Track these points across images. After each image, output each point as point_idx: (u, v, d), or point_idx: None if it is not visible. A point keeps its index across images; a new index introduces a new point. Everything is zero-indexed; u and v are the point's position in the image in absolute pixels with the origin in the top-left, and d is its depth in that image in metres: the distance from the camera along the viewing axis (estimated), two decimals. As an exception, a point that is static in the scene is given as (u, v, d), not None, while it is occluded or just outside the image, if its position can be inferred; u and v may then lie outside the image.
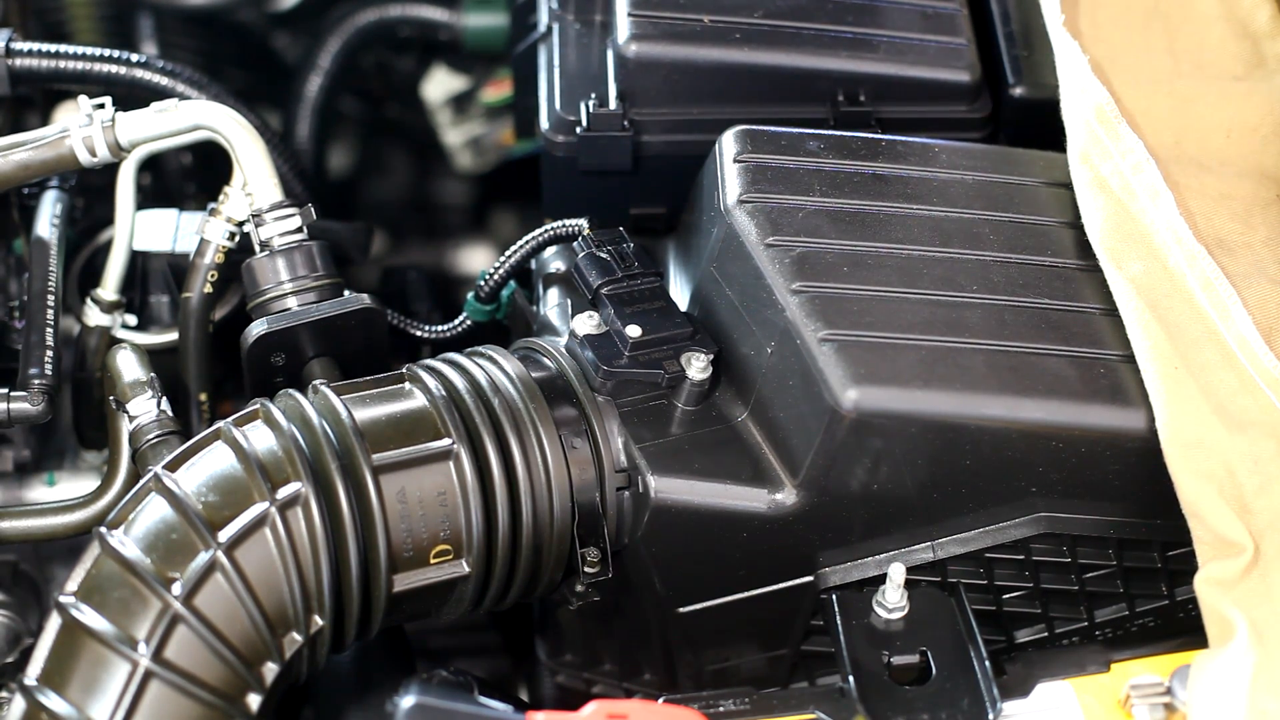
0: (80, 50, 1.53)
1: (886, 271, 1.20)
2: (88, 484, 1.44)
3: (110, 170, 1.42)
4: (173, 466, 1.14)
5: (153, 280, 1.50)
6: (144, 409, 1.29)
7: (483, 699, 1.09)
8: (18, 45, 1.52)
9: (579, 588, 1.21)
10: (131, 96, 1.51)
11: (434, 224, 2.18)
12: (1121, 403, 1.15)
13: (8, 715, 1.07)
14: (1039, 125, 1.39)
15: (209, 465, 1.13)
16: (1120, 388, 1.15)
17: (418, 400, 1.19)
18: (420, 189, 2.20)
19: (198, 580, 1.07)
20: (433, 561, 1.15)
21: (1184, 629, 1.25)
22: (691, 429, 1.21)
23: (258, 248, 1.35)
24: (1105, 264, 1.22)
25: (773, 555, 1.21)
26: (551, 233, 1.40)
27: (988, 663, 1.11)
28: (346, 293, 1.35)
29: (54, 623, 1.08)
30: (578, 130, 1.41)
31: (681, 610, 1.26)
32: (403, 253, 2.13)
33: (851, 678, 1.11)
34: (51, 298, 1.40)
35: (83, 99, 1.37)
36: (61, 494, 1.48)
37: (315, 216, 1.36)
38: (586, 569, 1.19)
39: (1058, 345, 1.17)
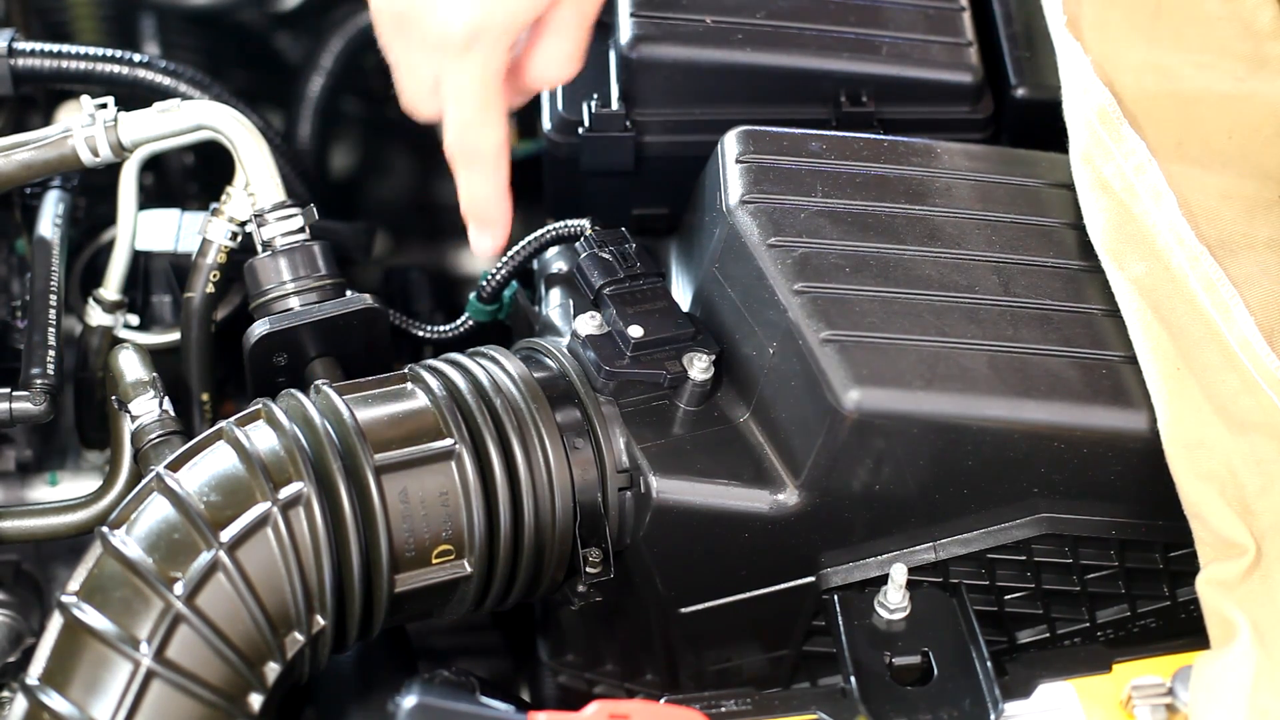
0: (83, 50, 1.53)
1: (889, 272, 1.20)
2: (90, 484, 1.43)
3: (113, 170, 1.42)
4: (175, 466, 1.14)
5: (155, 280, 1.50)
6: (146, 409, 1.29)
7: (484, 699, 1.09)
8: (20, 45, 1.51)
9: (581, 588, 1.21)
10: (134, 96, 1.51)
11: (436, 224, 2.17)
12: (1123, 404, 1.15)
13: (10, 715, 1.07)
14: (1041, 126, 1.39)
15: (211, 465, 1.13)
16: (1122, 389, 1.15)
17: (420, 400, 1.19)
18: (423, 189, 2.20)
19: (200, 580, 1.07)
20: (435, 562, 1.15)
21: (1186, 630, 1.25)
22: (693, 429, 1.21)
23: (260, 248, 1.35)
24: (1107, 265, 1.21)
25: (774, 556, 1.21)
26: (554, 233, 1.40)
27: (989, 663, 1.11)
28: (349, 293, 1.35)
29: (56, 622, 1.08)
30: (580, 131, 1.41)
31: (683, 610, 1.26)
32: (405, 253, 2.12)
33: (853, 678, 1.11)
34: (54, 297, 1.40)
35: (85, 99, 1.36)
36: (63, 494, 1.48)
37: (317, 216, 1.36)
38: (588, 569, 1.19)
39: (1060, 346, 1.17)
